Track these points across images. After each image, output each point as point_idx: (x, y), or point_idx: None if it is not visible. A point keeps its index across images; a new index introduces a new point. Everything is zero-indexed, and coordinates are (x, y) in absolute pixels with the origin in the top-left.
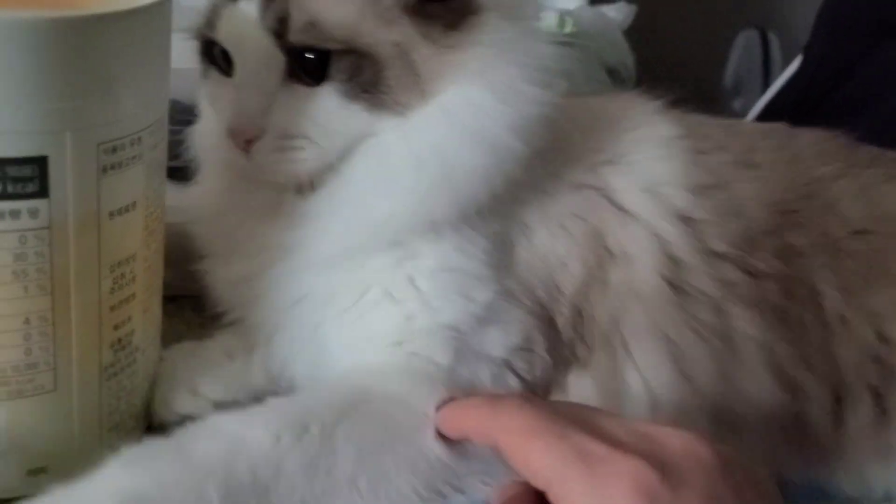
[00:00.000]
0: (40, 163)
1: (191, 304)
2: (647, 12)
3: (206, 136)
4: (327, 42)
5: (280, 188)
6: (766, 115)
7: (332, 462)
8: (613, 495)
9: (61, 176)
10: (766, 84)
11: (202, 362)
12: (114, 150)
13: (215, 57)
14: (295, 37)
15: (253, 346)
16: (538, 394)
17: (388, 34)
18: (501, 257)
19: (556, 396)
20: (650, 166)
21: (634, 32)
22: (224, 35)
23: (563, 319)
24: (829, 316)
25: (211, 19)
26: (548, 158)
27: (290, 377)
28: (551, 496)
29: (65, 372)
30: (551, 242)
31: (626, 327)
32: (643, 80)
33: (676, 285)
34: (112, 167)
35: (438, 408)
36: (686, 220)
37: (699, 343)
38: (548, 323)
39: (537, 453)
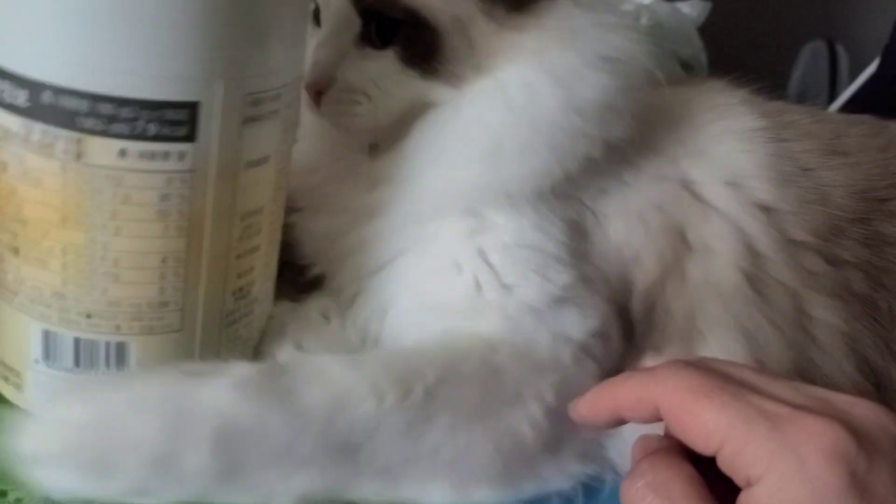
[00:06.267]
0: (192, 108)
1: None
2: (721, 13)
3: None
4: (392, 10)
5: (358, 149)
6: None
7: (426, 429)
8: (806, 455)
9: (209, 122)
10: (831, 97)
11: (304, 321)
12: (257, 102)
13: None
14: (367, 1)
15: (344, 307)
16: None
17: (450, 6)
18: (580, 244)
19: None
20: (733, 159)
21: (706, 31)
22: None
23: (635, 311)
24: None
25: None
26: (629, 149)
27: (374, 339)
28: (724, 456)
29: (191, 313)
30: (626, 235)
31: (703, 321)
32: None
33: (755, 278)
34: (253, 119)
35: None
36: (767, 210)
37: (774, 332)
38: (621, 312)
39: (712, 412)
